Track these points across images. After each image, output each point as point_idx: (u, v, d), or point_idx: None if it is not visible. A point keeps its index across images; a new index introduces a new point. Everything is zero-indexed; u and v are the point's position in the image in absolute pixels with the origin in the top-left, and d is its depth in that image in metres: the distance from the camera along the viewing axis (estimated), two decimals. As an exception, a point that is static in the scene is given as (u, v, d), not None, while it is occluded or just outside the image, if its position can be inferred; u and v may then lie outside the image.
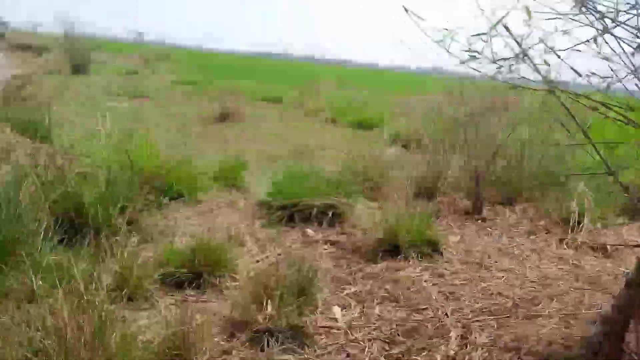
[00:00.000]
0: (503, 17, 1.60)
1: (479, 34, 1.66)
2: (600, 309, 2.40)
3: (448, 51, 1.75)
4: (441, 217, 4.06)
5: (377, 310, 2.47)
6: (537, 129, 4.78)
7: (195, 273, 2.64)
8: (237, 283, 2.66)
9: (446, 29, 1.72)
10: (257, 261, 3.04)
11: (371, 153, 5.45)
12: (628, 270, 2.27)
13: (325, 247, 3.35)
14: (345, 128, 10.38)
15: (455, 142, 5.79)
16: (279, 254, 3.17)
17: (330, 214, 3.71)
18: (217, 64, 25.08)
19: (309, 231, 3.59)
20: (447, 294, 2.64)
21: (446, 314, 2.41)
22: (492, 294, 2.62)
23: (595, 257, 3.36)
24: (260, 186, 4.32)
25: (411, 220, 3.28)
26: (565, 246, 3.48)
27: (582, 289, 2.64)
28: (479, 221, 4.11)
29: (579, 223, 3.67)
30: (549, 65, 1.61)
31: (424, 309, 2.48)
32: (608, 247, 3.49)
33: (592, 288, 2.65)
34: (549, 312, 2.42)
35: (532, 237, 3.62)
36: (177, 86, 13.80)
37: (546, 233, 3.72)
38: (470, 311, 2.44)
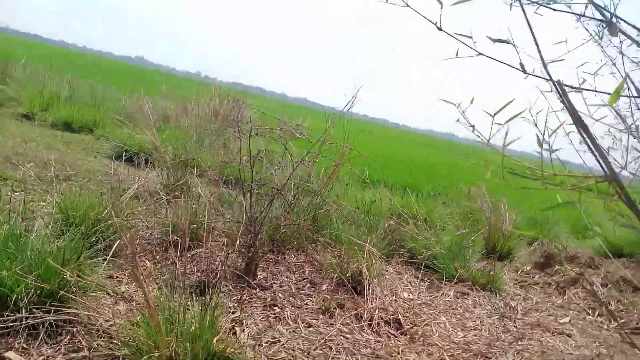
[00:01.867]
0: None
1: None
2: None
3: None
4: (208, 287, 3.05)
5: None
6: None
7: None
8: None
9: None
10: None
11: (110, 182, 3.98)
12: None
13: (47, 389, 1.96)
14: (48, 129, 8.09)
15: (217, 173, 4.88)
16: None
17: (51, 312, 2.26)
18: None
19: (12, 355, 2.08)
20: None
21: None
22: None
23: (395, 337, 2.95)
24: None
25: (189, 322, 2.21)
26: (365, 328, 2.97)
27: None
28: (258, 289, 3.29)
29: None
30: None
31: None
32: (401, 319, 3.16)
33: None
34: None
35: (329, 319, 2.99)
36: None
37: (340, 307, 3.16)
38: None
